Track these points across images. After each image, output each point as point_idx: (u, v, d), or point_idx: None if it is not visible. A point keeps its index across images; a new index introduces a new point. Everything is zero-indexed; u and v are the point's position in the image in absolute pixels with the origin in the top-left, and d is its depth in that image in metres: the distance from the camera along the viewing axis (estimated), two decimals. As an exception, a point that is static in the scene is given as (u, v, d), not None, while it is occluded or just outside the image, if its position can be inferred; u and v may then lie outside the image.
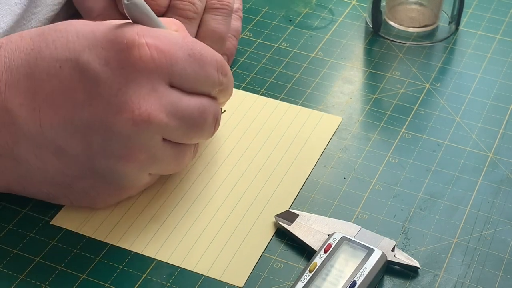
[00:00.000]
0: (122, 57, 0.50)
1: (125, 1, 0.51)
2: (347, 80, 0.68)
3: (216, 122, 0.54)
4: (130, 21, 0.52)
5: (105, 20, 0.65)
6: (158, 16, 0.64)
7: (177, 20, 0.56)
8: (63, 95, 0.50)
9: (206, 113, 0.53)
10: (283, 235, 0.54)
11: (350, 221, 0.55)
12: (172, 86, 0.51)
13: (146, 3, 0.62)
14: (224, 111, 0.64)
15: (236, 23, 0.69)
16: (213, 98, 0.54)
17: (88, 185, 0.53)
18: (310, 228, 0.53)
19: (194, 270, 0.52)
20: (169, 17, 0.64)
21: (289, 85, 0.67)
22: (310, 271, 0.50)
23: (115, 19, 0.65)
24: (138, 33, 0.50)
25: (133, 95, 0.49)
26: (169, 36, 0.52)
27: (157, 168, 0.53)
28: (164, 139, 0.51)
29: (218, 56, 0.54)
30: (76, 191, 0.53)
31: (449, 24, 0.74)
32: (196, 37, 0.65)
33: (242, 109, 0.64)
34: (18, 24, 0.64)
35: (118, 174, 0.52)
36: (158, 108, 0.50)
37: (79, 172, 0.52)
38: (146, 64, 0.50)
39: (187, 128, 0.52)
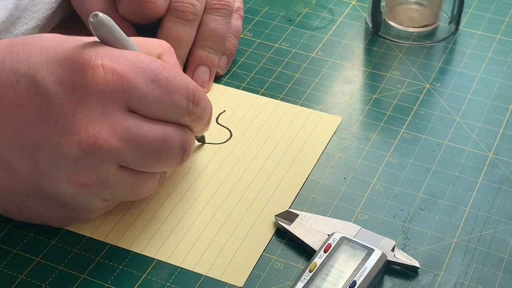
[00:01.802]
0: (75, 77, 0.48)
1: (91, 19, 0.49)
2: (347, 80, 0.68)
3: (185, 152, 0.52)
4: (97, 39, 0.50)
5: None
6: (158, 19, 0.65)
7: (165, 42, 0.55)
8: (16, 110, 0.48)
9: (170, 142, 0.51)
10: (283, 235, 0.54)
11: (350, 221, 0.55)
12: (132, 111, 0.49)
13: (145, 5, 0.63)
14: (224, 111, 0.64)
15: (236, 22, 0.68)
16: (183, 126, 0.52)
17: (39, 205, 0.51)
18: (310, 228, 0.53)
19: (194, 270, 0.52)
20: (168, 19, 0.64)
21: (289, 85, 0.67)
22: (310, 271, 0.50)
23: (115, 20, 0.66)
24: (97, 54, 0.48)
25: (81, 117, 0.48)
26: (132, 59, 0.49)
27: (111, 195, 0.51)
28: (121, 166, 0.49)
29: (191, 85, 0.52)
30: (29, 209, 0.52)
31: (449, 24, 0.74)
32: (196, 37, 0.65)
33: (242, 109, 0.64)
34: (17, 23, 0.64)
35: (66, 197, 0.50)
36: (109, 133, 0.48)
37: (29, 191, 0.50)
38: (99, 87, 0.48)
39: (145, 156, 0.50)
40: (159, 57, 0.53)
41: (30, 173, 0.49)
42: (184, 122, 0.52)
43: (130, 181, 0.51)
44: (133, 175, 0.51)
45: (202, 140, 0.60)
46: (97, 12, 0.49)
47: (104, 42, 0.50)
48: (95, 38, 0.50)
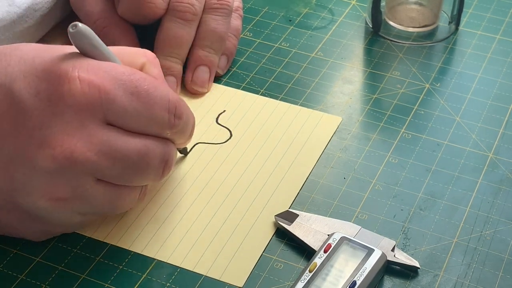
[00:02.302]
0: (52, 89, 0.47)
1: (70, 29, 0.48)
2: (347, 80, 0.68)
3: (166, 165, 0.51)
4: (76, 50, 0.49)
5: (106, 24, 0.65)
6: (157, 19, 0.65)
7: (149, 52, 0.54)
8: None
9: (150, 156, 0.49)
10: (283, 235, 0.54)
11: (350, 221, 0.55)
12: (110, 124, 0.48)
13: (145, 5, 0.63)
14: (224, 111, 0.64)
15: (236, 22, 0.68)
16: (164, 139, 0.51)
17: (14, 219, 0.50)
18: (310, 228, 0.53)
19: (194, 270, 0.52)
20: (168, 19, 0.64)
21: (289, 85, 0.67)
22: (310, 271, 0.50)
23: (115, 21, 0.66)
24: (74, 65, 0.47)
25: (57, 130, 0.47)
26: (111, 71, 0.48)
27: (89, 209, 0.50)
28: (99, 179, 0.48)
29: (172, 97, 0.51)
30: (5, 223, 0.51)
31: (449, 24, 0.74)
32: (195, 37, 0.65)
33: (242, 109, 0.64)
34: (18, 21, 0.64)
35: (41, 211, 0.49)
36: (86, 146, 0.47)
37: (3, 205, 0.49)
38: (76, 99, 0.47)
39: (123, 170, 0.49)
40: (142, 67, 0.52)
41: (5, 186, 0.48)
42: (166, 135, 0.51)
43: (108, 195, 0.49)
44: (112, 189, 0.49)
45: (184, 152, 0.59)
46: (76, 23, 0.48)
47: (84, 53, 0.49)
48: (75, 49, 0.49)
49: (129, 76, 0.49)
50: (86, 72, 0.47)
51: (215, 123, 0.63)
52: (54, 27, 0.70)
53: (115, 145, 0.48)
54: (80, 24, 0.48)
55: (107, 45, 0.66)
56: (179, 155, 0.59)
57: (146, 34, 0.66)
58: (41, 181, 0.47)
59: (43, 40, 0.69)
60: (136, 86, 0.49)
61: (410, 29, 0.73)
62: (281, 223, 0.54)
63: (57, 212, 0.49)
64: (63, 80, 0.47)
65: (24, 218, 0.50)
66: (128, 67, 0.50)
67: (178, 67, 0.65)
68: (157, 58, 0.54)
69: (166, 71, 0.64)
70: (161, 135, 0.51)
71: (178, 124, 0.51)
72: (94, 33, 0.49)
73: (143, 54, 0.53)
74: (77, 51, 0.49)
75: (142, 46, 0.66)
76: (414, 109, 0.65)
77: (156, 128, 0.50)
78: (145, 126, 0.49)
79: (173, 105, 0.50)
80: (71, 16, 0.69)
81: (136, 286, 0.51)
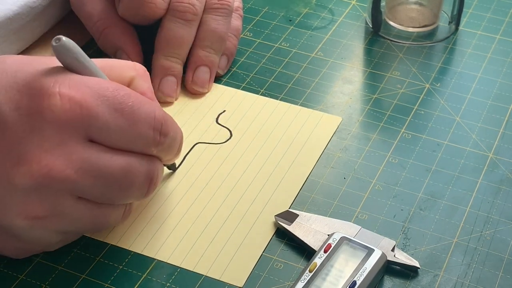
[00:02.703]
0: (32, 104, 0.46)
1: (53, 43, 0.46)
2: (347, 80, 0.68)
3: (151, 183, 0.50)
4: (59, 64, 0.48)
5: (106, 25, 0.65)
6: (158, 19, 0.64)
7: (139, 66, 0.53)
8: None
9: (133, 174, 0.48)
10: (283, 235, 0.54)
11: (350, 221, 0.55)
12: (92, 141, 0.47)
13: (145, 5, 0.63)
14: (224, 111, 0.64)
15: (236, 22, 0.68)
16: (149, 156, 0.50)
17: None
18: (310, 228, 0.53)
19: (194, 270, 0.52)
20: (168, 19, 0.64)
21: (289, 85, 0.67)
22: (310, 271, 0.50)
23: (115, 22, 0.65)
24: (56, 81, 0.46)
25: (35, 147, 0.45)
26: (95, 86, 0.47)
27: (69, 227, 0.49)
28: (79, 197, 0.47)
29: (158, 114, 0.49)
30: None
31: (449, 24, 0.74)
32: (196, 37, 0.65)
33: (242, 109, 0.64)
34: (14, 18, 0.64)
35: (18, 230, 0.47)
36: (64, 164, 0.46)
37: None
38: (55, 115, 0.46)
39: (105, 188, 0.47)
40: (131, 81, 0.52)
41: None
42: (151, 152, 0.50)
43: (89, 213, 0.48)
44: (93, 207, 0.48)
45: (172, 168, 0.58)
46: (60, 36, 0.46)
47: (68, 67, 0.48)
48: (54, 63, 0.48)
49: (113, 92, 0.48)
50: (67, 88, 0.46)
51: (215, 123, 0.63)
52: (54, 27, 0.70)
53: (97, 162, 0.47)
54: (63, 38, 0.46)
55: (109, 47, 0.66)
56: (167, 170, 0.58)
57: (146, 35, 0.66)
58: (18, 198, 0.46)
59: (42, 38, 0.69)
60: (120, 102, 0.47)
61: (410, 29, 0.73)
62: (281, 223, 0.54)
63: (34, 231, 0.47)
64: (43, 96, 0.46)
65: (1, 235, 0.48)
66: (113, 82, 0.49)
67: (179, 67, 0.65)
68: (147, 72, 0.53)
69: (167, 71, 0.64)
70: (146, 152, 0.50)
71: (163, 142, 0.50)
72: (78, 47, 0.48)
73: (132, 68, 0.52)
74: (61, 66, 0.48)
75: (142, 47, 0.66)
76: (414, 109, 0.65)
77: (141, 146, 0.49)
78: (129, 143, 0.48)
79: (158, 122, 0.49)
80: (71, 14, 0.69)
81: (136, 286, 0.51)
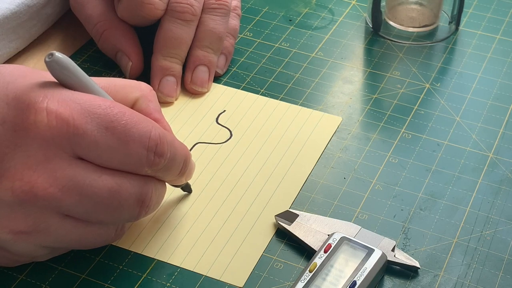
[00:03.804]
0: (18, 119, 0.45)
1: (46, 59, 0.45)
2: (347, 80, 0.68)
3: (142, 205, 0.48)
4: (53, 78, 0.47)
5: (106, 27, 0.65)
6: (157, 20, 0.64)
7: (145, 85, 0.52)
8: None
9: (122, 195, 0.47)
10: (283, 235, 0.54)
11: (350, 221, 0.55)
12: (81, 158, 0.46)
13: (143, 6, 0.63)
14: (224, 111, 0.64)
15: (233, 21, 0.68)
16: (143, 177, 0.48)
17: None
18: (310, 228, 0.53)
19: (194, 270, 0.52)
20: (167, 19, 0.64)
21: (289, 85, 0.67)
22: (310, 271, 0.50)
23: (115, 24, 0.65)
24: (45, 96, 0.45)
25: (18, 162, 0.44)
26: (85, 103, 0.46)
27: (54, 243, 0.48)
28: (66, 215, 0.46)
29: (154, 134, 0.47)
30: None
31: (449, 24, 0.74)
32: (194, 37, 0.65)
33: (242, 109, 0.64)
34: (11, 17, 0.64)
35: (4, 243, 0.47)
36: (49, 181, 0.45)
37: None
38: (40, 132, 0.44)
39: (92, 208, 0.46)
40: (135, 102, 0.51)
41: None
42: (145, 172, 0.48)
43: (76, 231, 0.47)
44: (80, 225, 0.47)
45: (187, 190, 0.56)
46: (53, 52, 0.45)
47: (62, 83, 0.47)
48: (46, 77, 0.47)
49: (106, 109, 0.46)
50: (55, 104, 0.45)
51: (215, 123, 0.63)
52: (54, 25, 0.70)
53: (83, 181, 0.45)
54: (56, 53, 0.45)
55: (109, 49, 0.66)
56: (182, 192, 0.57)
57: (146, 36, 0.67)
58: (3, 212, 0.45)
59: (42, 36, 0.69)
60: (112, 120, 0.46)
61: (410, 29, 0.73)
62: (281, 223, 0.54)
63: (19, 244, 0.47)
64: (30, 111, 0.45)
65: None
66: (107, 99, 0.47)
67: (178, 67, 0.65)
68: (153, 91, 0.52)
69: (166, 72, 0.64)
70: (140, 173, 0.48)
71: (158, 163, 0.48)
72: (72, 62, 0.47)
73: (137, 88, 0.51)
74: (55, 80, 0.47)
75: (142, 47, 0.66)
76: (414, 109, 0.65)
77: (133, 166, 0.47)
78: (120, 163, 0.47)
79: (153, 142, 0.47)
80: (70, 13, 0.69)
81: (136, 286, 0.51)
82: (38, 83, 0.46)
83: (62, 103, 0.45)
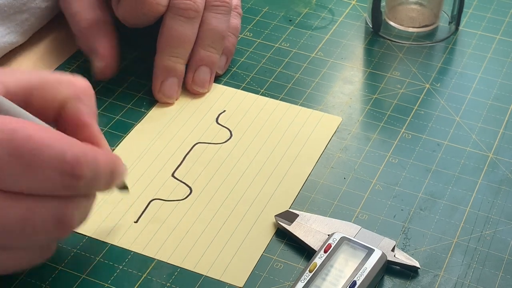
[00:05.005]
0: None
1: None
2: (347, 80, 0.68)
3: (62, 226, 0.45)
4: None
5: (87, 25, 0.64)
6: (158, 17, 0.64)
7: (80, 82, 0.48)
8: None
9: (35, 220, 0.43)
10: (283, 235, 0.54)
11: (350, 221, 0.55)
12: None
13: (145, 2, 0.63)
14: (224, 111, 0.64)
15: (235, 20, 0.68)
16: (59, 198, 0.44)
17: None
18: (310, 228, 0.53)
19: (194, 270, 0.52)
20: (170, 17, 0.63)
21: (289, 85, 0.67)
22: (310, 271, 0.50)
23: (96, 23, 0.64)
24: None
25: None
26: None
27: None
28: None
29: (70, 156, 0.43)
30: None
31: (449, 24, 0.74)
32: (197, 36, 0.65)
33: (242, 109, 0.64)
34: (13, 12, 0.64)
35: None
36: None
37: None
38: None
39: (4, 236, 0.43)
40: (64, 102, 0.48)
41: None
42: (64, 194, 0.44)
43: None
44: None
45: (123, 189, 0.53)
46: None
47: None
48: None
49: (9, 135, 0.42)
50: None
51: (215, 123, 0.63)
52: (49, 22, 0.70)
53: None
54: None
55: (85, 48, 0.65)
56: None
57: (147, 37, 0.66)
58: None
59: (43, 32, 0.69)
60: (16, 146, 0.42)
61: (410, 29, 0.73)
62: (281, 223, 0.54)
63: None
64: None
65: None
66: (15, 122, 0.43)
67: (181, 68, 0.64)
68: (90, 90, 0.49)
69: (170, 73, 0.64)
70: (57, 195, 0.44)
71: (76, 185, 0.44)
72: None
73: (69, 86, 0.48)
74: None
75: (143, 48, 0.66)
76: (414, 109, 0.65)
77: (46, 190, 0.44)
78: (30, 189, 0.43)
79: (69, 165, 0.43)
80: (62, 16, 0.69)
81: (136, 286, 0.51)
82: None
83: None
